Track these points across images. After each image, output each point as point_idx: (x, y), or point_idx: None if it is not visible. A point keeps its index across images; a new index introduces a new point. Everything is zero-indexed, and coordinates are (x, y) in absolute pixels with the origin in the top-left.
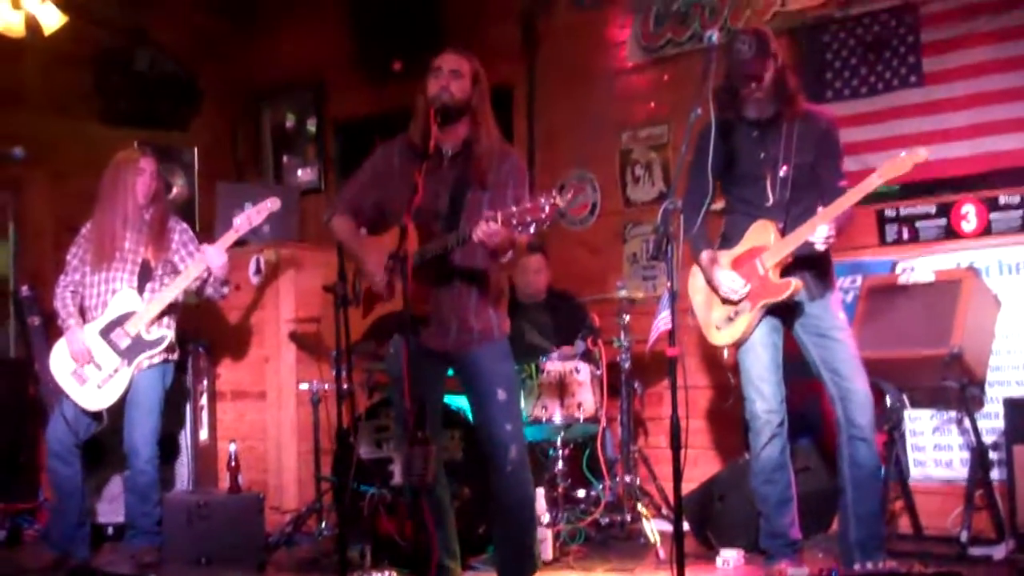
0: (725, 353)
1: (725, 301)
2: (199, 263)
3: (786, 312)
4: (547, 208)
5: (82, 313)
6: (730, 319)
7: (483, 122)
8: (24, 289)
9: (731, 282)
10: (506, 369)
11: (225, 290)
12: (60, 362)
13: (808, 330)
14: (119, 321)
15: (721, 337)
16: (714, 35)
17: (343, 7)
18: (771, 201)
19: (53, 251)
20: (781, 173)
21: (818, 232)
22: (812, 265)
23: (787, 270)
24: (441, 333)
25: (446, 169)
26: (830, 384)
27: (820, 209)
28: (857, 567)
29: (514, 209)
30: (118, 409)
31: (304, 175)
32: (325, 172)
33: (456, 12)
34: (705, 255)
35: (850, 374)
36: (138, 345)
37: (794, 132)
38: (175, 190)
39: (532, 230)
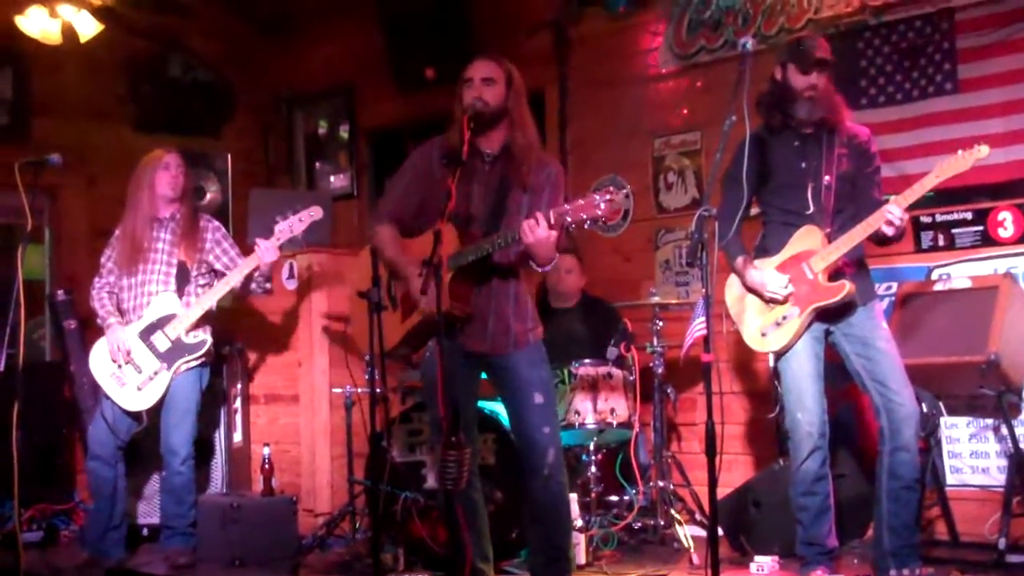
0: (771, 360)
1: (770, 302)
2: (246, 265)
3: (833, 318)
4: (602, 205)
5: (119, 315)
6: (778, 324)
7: (520, 125)
8: (60, 293)
9: (774, 281)
10: (542, 373)
11: (268, 285)
12: (100, 363)
13: (851, 339)
14: (159, 324)
15: (767, 343)
16: (748, 42)
17: (375, 14)
18: (811, 209)
19: (88, 256)
20: (824, 181)
21: (893, 212)
22: (855, 273)
23: (834, 276)
24: (479, 334)
25: (487, 172)
26: (875, 395)
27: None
28: (893, 573)
29: (567, 207)
30: (156, 411)
31: (336, 181)
32: (357, 178)
33: (488, 19)
34: (739, 259)
35: (896, 386)
36: (178, 349)
37: (835, 144)
38: (208, 196)
39: (586, 227)
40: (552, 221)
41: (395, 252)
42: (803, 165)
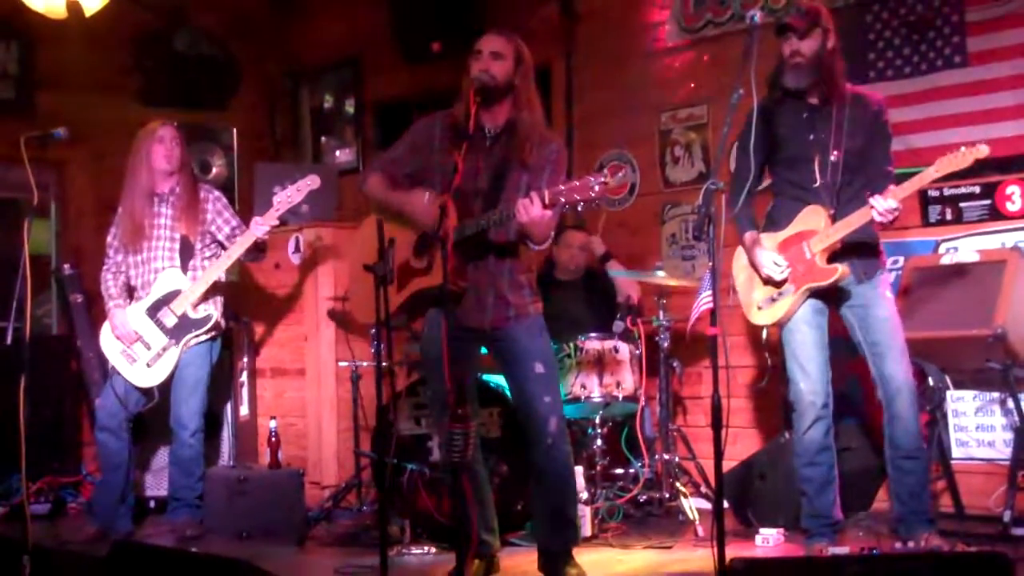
0: (764, 333)
1: (767, 282)
2: (244, 241)
3: (831, 296)
4: (596, 187)
5: (130, 293)
6: (773, 300)
7: (526, 102)
8: (66, 267)
9: (772, 263)
10: (542, 344)
11: (260, 255)
12: (110, 340)
13: (855, 312)
14: (165, 300)
15: (762, 317)
16: (756, 15)
17: None
18: (818, 183)
19: (94, 230)
20: (832, 157)
21: (887, 203)
22: (860, 249)
23: (834, 255)
24: (478, 309)
25: (488, 148)
26: (871, 366)
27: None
28: (898, 545)
29: (562, 187)
30: (166, 386)
31: (342, 155)
32: (363, 152)
33: None
34: (748, 235)
35: (891, 357)
36: (185, 324)
37: (844, 116)
38: (214, 170)
39: (580, 208)
40: (547, 201)
41: (389, 193)
42: (811, 137)
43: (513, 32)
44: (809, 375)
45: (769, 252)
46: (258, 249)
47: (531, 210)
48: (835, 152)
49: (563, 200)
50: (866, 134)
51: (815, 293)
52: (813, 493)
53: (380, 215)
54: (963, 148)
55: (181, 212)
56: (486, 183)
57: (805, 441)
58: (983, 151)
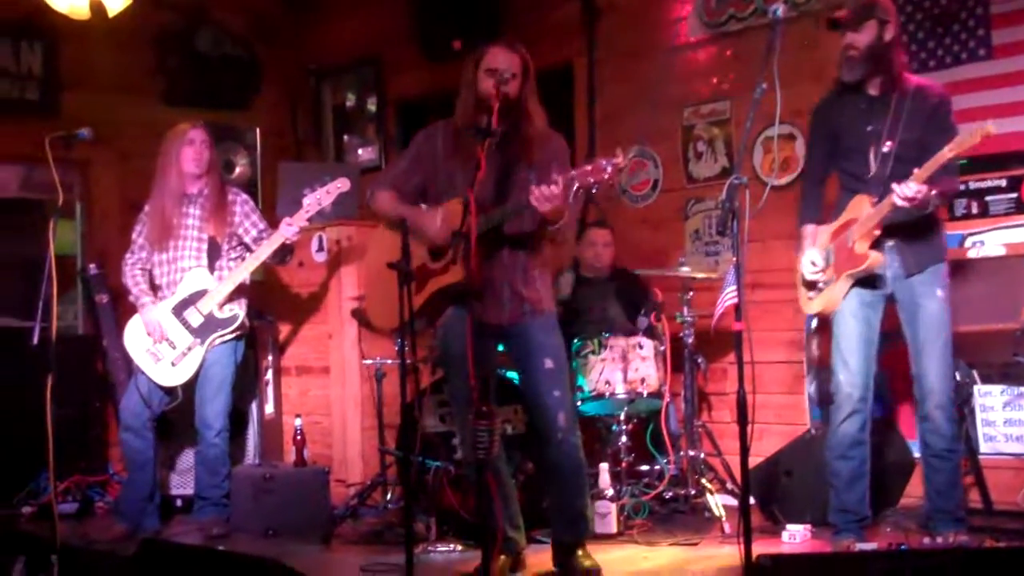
0: (813, 323)
1: (803, 280)
2: (273, 242)
3: (879, 286)
4: (608, 168)
5: (154, 292)
6: (820, 289)
7: (532, 108)
8: (92, 267)
9: (809, 263)
10: (554, 341)
11: (288, 258)
12: (135, 339)
13: (903, 306)
14: (192, 299)
15: (811, 306)
16: (779, 9)
17: None
18: (872, 172)
19: (119, 230)
20: (885, 148)
21: (905, 188)
22: (913, 240)
23: (880, 244)
24: (495, 305)
25: (493, 152)
26: (912, 361)
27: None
28: (927, 541)
29: (574, 172)
30: (190, 385)
31: (365, 154)
32: (385, 151)
33: None
34: (803, 229)
35: (929, 356)
36: (211, 324)
37: (903, 108)
38: (238, 170)
39: (594, 191)
40: (561, 184)
41: (398, 208)
42: (868, 128)
43: (518, 42)
44: (849, 367)
45: (811, 250)
46: (286, 250)
47: (553, 199)
48: (888, 143)
49: (577, 184)
50: (924, 126)
51: (864, 284)
52: (842, 487)
53: (390, 228)
54: (974, 125)
55: (210, 213)
56: (491, 184)
57: (839, 434)
58: (990, 129)
